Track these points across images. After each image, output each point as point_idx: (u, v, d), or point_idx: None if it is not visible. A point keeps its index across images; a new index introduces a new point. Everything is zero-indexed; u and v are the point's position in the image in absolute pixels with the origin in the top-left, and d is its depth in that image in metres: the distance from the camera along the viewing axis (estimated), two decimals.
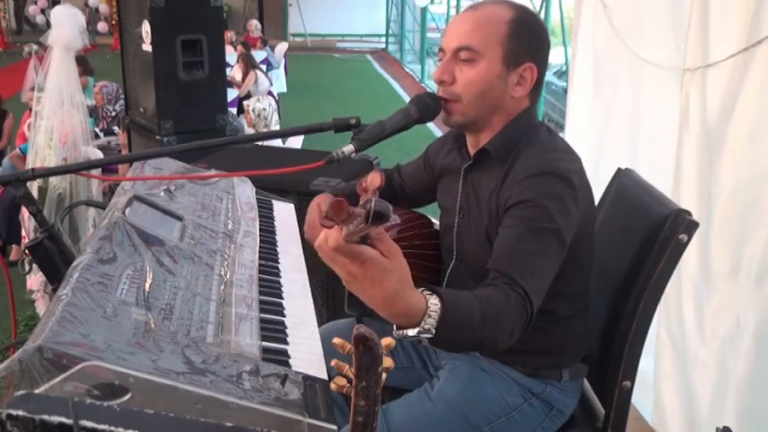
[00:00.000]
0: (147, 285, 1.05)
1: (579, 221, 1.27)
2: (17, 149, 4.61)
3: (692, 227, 1.37)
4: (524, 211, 1.23)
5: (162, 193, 1.43)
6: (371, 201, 0.87)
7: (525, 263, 1.18)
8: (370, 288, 0.96)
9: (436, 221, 1.56)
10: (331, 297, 2.34)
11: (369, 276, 0.95)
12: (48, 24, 4.22)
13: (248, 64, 7.39)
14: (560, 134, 1.44)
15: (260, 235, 1.48)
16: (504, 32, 1.28)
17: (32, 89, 3.94)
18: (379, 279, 0.95)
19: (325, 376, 1.00)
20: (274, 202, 1.77)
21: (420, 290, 1.03)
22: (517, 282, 1.14)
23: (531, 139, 1.32)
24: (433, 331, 1.01)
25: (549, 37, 1.38)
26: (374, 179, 1.00)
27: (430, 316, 1.01)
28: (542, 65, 1.33)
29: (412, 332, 1.02)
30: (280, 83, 8.96)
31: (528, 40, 1.30)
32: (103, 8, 15.19)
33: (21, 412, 0.69)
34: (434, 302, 1.02)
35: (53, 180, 3.31)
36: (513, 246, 1.20)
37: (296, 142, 5.44)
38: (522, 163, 1.29)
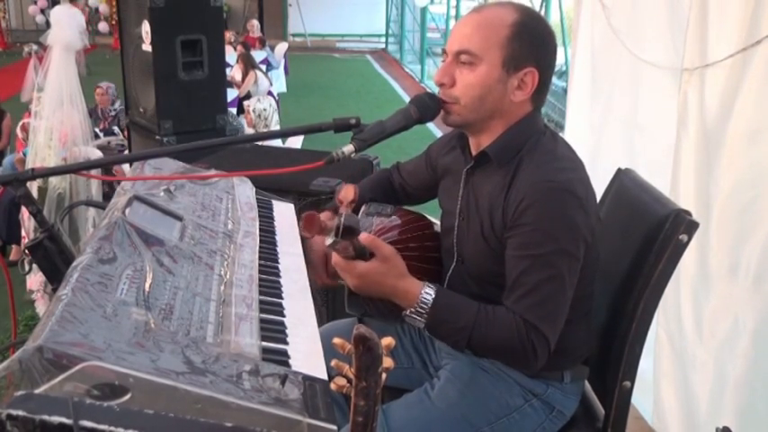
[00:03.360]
0: (147, 285, 1.05)
1: (590, 228, 1.28)
2: (20, 153, 4.61)
3: (691, 227, 1.37)
4: (525, 237, 1.25)
5: (162, 193, 1.43)
6: (342, 216, 1.07)
7: (531, 295, 1.24)
8: (376, 290, 1.27)
9: (436, 222, 1.55)
10: (331, 297, 2.34)
11: (369, 282, 1.26)
12: (47, 24, 4.22)
13: (248, 64, 7.38)
14: (560, 134, 1.44)
15: (260, 235, 1.48)
16: (504, 36, 1.27)
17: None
18: (379, 281, 1.26)
19: (325, 376, 1.00)
20: (274, 202, 1.77)
21: (422, 283, 1.28)
22: (520, 315, 1.24)
23: (533, 147, 1.31)
24: (424, 319, 1.26)
25: (554, 40, 1.35)
26: (347, 193, 1.23)
27: (421, 304, 1.26)
28: (545, 69, 1.31)
29: (406, 313, 1.28)
30: (280, 83, 8.95)
31: (530, 44, 1.28)
32: (103, 8, 15.17)
33: (21, 412, 0.69)
34: (428, 292, 1.27)
35: (53, 180, 3.31)
36: (518, 281, 1.26)
37: (296, 142, 5.44)
38: (525, 176, 1.28)
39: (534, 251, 1.24)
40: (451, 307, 1.28)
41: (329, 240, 1.20)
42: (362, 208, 1.51)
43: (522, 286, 1.25)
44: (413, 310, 1.27)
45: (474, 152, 1.40)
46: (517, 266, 1.26)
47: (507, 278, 1.28)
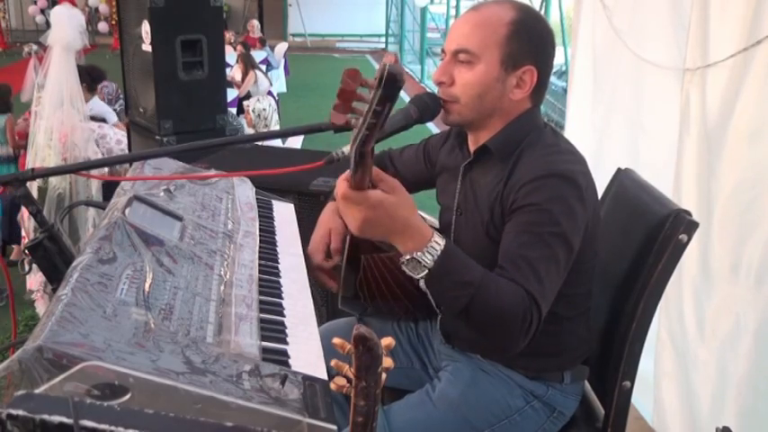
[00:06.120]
0: (147, 285, 1.05)
1: (586, 222, 1.27)
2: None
3: (691, 227, 1.37)
4: (529, 216, 1.23)
5: (162, 193, 1.43)
6: (386, 65, 0.95)
7: (531, 268, 1.18)
8: (387, 225, 1.12)
9: (431, 218, 1.56)
10: (331, 297, 2.34)
11: (381, 215, 1.11)
12: (47, 24, 4.23)
13: (248, 64, 7.39)
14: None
15: (260, 235, 1.48)
16: (502, 34, 1.27)
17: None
18: (391, 215, 1.12)
19: (324, 376, 1.00)
20: (274, 202, 1.77)
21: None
22: (523, 286, 1.16)
23: (534, 140, 1.32)
24: (430, 263, 1.13)
25: (553, 38, 1.35)
26: (389, 57, 1.08)
27: (432, 245, 1.14)
28: (544, 67, 1.31)
29: (412, 255, 1.14)
30: (279, 83, 8.96)
31: (528, 42, 1.29)
32: (103, 8, 15.18)
33: (21, 412, 0.69)
34: (439, 237, 1.15)
35: (53, 180, 3.31)
36: (518, 254, 1.20)
37: (296, 142, 5.45)
38: (527, 164, 1.28)
39: (535, 229, 1.21)
40: (461, 258, 1.18)
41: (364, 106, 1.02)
42: None
43: (522, 259, 1.19)
44: (420, 252, 1.13)
45: (473, 148, 1.40)
46: (516, 240, 1.22)
47: (503, 252, 1.23)
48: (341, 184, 1.12)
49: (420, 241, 1.14)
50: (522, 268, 1.18)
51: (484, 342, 1.36)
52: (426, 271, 1.14)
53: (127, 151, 3.65)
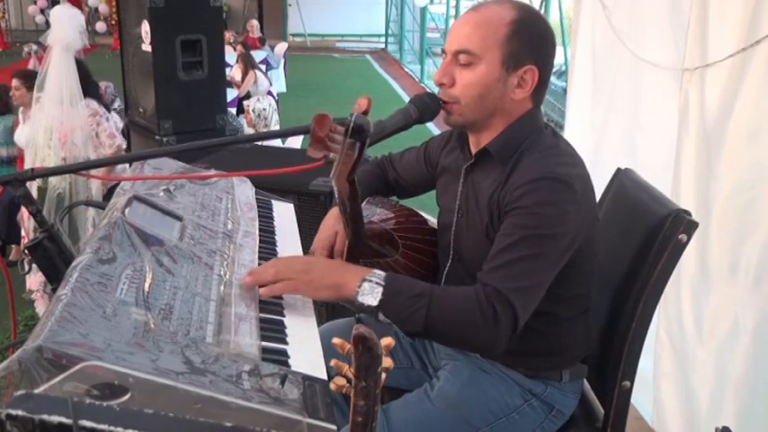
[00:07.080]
0: (147, 285, 1.05)
1: (582, 225, 1.27)
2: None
3: (691, 227, 1.37)
4: (515, 219, 1.24)
5: (161, 193, 1.43)
6: (352, 116, 1.06)
7: (505, 266, 1.20)
8: (324, 273, 1.24)
9: (429, 217, 1.56)
10: None
11: (318, 267, 1.26)
12: (47, 24, 4.22)
13: (248, 64, 7.38)
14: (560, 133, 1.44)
15: (259, 235, 1.48)
16: (503, 34, 1.27)
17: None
18: (329, 263, 1.30)
19: (324, 376, 1.00)
20: (274, 202, 1.77)
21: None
22: (485, 282, 1.20)
23: (534, 142, 1.32)
24: (381, 281, 1.19)
25: (553, 37, 1.35)
26: (361, 103, 1.19)
27: (374, 272, 1.21)
28: (545, 66, 1.31)
29: (362, 281, 1.20)
30: (279, 83, 8.96)
31: (529, 42, 1.28)
32: (103, 8, 15.18)
33: (20, 412, 0.69)
34: (378, 270, 1.22)
35: (53, 180, 3.31)
36: (497, 256, 1.23)
37: (296, 142, 5.44)
38: (524, 167, 1.28)
39: (521, 231, 1.22)
40: (405, 278, 1.26)
41: (336, 148, 1.17)
42: (367, 199, 1.53)
43: (499, 259, 1.22)
44: (368, 275, 1.20)
45: (474, 150, 1.40)
46: (500, 243, 1.24)
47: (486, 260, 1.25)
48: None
49: (362, 271, 1.22)
50: (496, 268, 1.21)
51: (468, 349, 1.38)
52: (381, 290, 1.19)
53: (123, 143, 3.64)
